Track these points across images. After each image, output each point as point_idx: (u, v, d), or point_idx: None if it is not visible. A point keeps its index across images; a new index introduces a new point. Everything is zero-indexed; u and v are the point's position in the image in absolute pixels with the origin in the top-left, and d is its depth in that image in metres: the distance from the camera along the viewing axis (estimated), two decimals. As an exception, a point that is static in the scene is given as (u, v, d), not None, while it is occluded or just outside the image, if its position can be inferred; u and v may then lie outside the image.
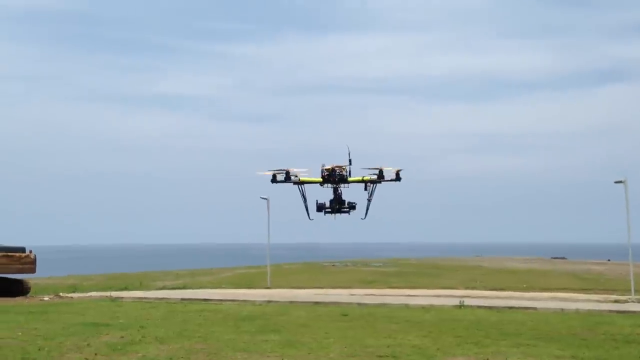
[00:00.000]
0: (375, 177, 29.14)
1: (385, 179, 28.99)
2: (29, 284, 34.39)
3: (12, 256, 33.09)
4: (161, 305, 26.49)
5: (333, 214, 28.95)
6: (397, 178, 28.79)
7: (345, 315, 22.72)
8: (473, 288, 36.19)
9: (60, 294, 33.07)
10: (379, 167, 28.80)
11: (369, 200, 29.24)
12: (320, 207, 29.22)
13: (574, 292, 33.08)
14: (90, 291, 34.94)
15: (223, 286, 39.65)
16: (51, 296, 31.96)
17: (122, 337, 17.44)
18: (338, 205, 29.06)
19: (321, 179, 29.06)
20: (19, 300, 30.57)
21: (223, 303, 27.73)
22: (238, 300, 28.60)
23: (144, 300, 29.23)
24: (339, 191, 29.32)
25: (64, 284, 40.92)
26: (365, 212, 29.47)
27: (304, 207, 29.24)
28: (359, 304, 26.60)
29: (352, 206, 29.45)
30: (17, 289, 33.51)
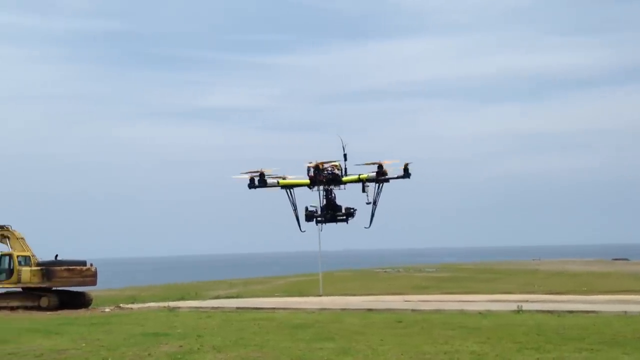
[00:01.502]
0: (374, 175, 22.83)
1: (390, 176, 22.69)
2: (90, 296, 35.63)
3: (74, 269, 34.36)
4: (217, 315, 26.91)
5: (324, 224, 22.56)
6: (406, 174, 22.59)
7: (400, 321, 22.51)
8: (531, 292, 35.29)
9: (121, 305, 34.05)
10: (377, 161, 21.83)
11: (374, 205, 22.64)
12: (309, 216, 22.64)
13: (637, 295, 31.78)
14: (149, 302, 35.85)
15: (276, 294, 40.00)
16: (112, 307, 32.93)
17: (181, 346, 17.81)
18: (331, 212, 22.50)
19: (308, 181, 22.72)
20: (81, 312, 31.65)
21: (277, 311, 27.93)
22: (291, 308, 28.76)
23: (200, 309, 29.77)
24: (332, 194, 22.76)
25: (123, 295, 42.19)
26: (370, 219, 22.85)
27: (293, 216, 22.74)
28: (414, 310, 26.31)
29: (349, 213, 22.84)
30: (79, 301, 34.77)
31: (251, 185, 22.75)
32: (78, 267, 34.66)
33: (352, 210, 23.06)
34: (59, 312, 31.44)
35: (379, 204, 22.78)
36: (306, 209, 22.97)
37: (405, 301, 31.13)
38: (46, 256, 35.29)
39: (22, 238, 35.10)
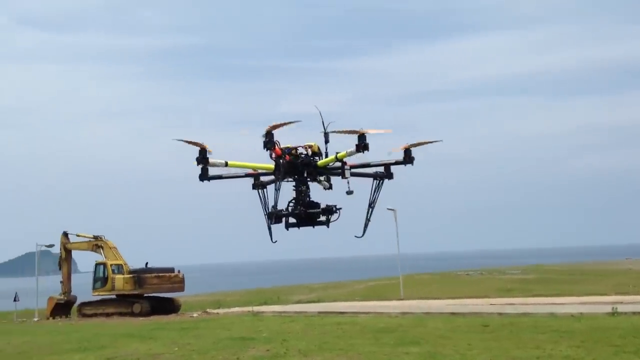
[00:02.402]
0: (353, 150, 13.95)
1: (387, 160, 14.60)
2: (179, 302, 37.09)
3: (163, 276, 35.90)
4: (300, 319, 27.25)
5: (298, 227, 14.92)
6: (407, 159, 14.53)
7: (486, 325, 21.91)
8: (626, 293, 33.42)
9: (207, 310, 35.17)
10: (358, 129, 13.69)
11: (371, 207, 14.74)
12: (276, 216, 14.70)
13: None
14: (233, 306, 36.84)
15: (356, 298, 40.02)
16: (199, 312, 34.08)
17: (268, 350, 18.17)
18: (305, 211, 14.74)
19: (272, 166, 14.75)
20: (171, 317, 32.94)
21: (358, 315, 27.93)
22: (373, 312, 28.68)
23: (283, 314, 30.25)
24: (305, 186, 14.86)
25: (209, 301, 43.57)
26: (363, 226, 14.79)
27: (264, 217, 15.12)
28: (500, 314, 25.54)
29: (330, 210, 14.70)
30: (169, 306, 36.25)
31: (203, 177, 14.81)
32: (167, 274, 36.17)
33: (333, 208, 14.68)
34: (151, 317, 32.86)
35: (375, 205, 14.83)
36: (272, 207, 14.62)
37: (491, 304, 30.29)
38: (136, 264, 37.10)
39: (114, 247, 37.04)
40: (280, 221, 14.81)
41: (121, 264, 36.34)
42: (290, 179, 14.64)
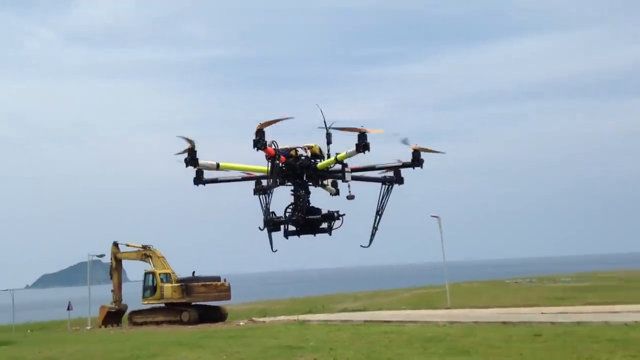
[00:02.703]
0: (353, 150, 12.43)
1: (394, 163, 13.24)
2: (226, 310, 37.46)
3: (210, 285, 36.35)
4: (346, 328, 27.12)
5: (298, 235, 13.44)
6: (416, 162, 13.03)
7: (539, 335, 21.31)
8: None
9: (253, 318, 35.41)
10: (359, 127, 12.22)
11: (378, 215, 13.39)
12: (273, 223, 13.40)
13: None
14: (279, 315, 36.97)
15: (402, 307, 39.58)
16: (245, 321, 34.32)
17: (315, 359, 18.14)
18: (303, 218, 13.26)
19: (266, 168, 13.13)
20: (218, 325, 33.29)
21: (405, 324, 27.61)
22: (420, 321, 28.30)
23: (329, 322, 30.18)
24: (304, 191, 13.39)
25: (255, 309, 43.87)
26: (370, 236, 13.39)
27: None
28: (553, 323, 24.82)
29: (331, 216, 13.21)
30: (216, 315, 36.66)
31: (198, 180, 13.66)
32: (214, 283, 36.61)
33: (336, 214, 13.11)
34: (199, 325, 33.30)
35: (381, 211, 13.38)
36: (271, 213, 13.29)
37: (542, 313, 29.48)
38: (183, 273, 37.69)
39: (162, 256, 37.74)
40: (278, 229, 13.38)
41: (169, 273, 36.98)
42: (289, 183, 13.23)
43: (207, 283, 36.35)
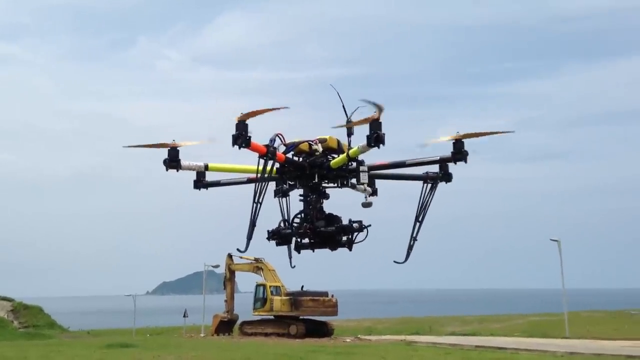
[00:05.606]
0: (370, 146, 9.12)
1: (429, 157, 10.14)
2: (332, 326, 37.61)
3: (318, 300, 36.67)
4: (455, 352, 26.27)
5: (312, 249, 10.65)
6: (459, 155, 9.73)
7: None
8: None
9: (359, 336, 35.28)
10: (370, 116, 8.96)
11: (419, 221, 10.46)
12: (282, 236, 10.59)
13: None
14: (385, 334, 36.60)
15: (516, 334, 37.73)
16: (352, 338, 34.28)
17: (424, 382, 17.71)
18: (312, 229, 10.48)
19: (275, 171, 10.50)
20: (324, 341, 33.46)
21: (519, 352, 26.24)
22: (536, 350, 26.77)
23: (437, 345, 29.40)
24: (316, 195, 10.68)
25: (361, 327, 43.77)
26: (407, 249, 10.41)
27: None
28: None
29: (350, 228, 10.35)
30: (322, 330, 36.89)
31: (198, 184, 11.27)
32: (321, 298, 36.86)
33: (358, 225, 10.37)
34: (305, 340, 33.65)
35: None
36: (280, 224, 10.64)
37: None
38: (292, 287, 38.33)
39: (273, 270, 38.67)
40: (288, 242, 10.60)
41: (279, 286, 37.76)
42: (300, 186, 10.51)
43: (315, 298, 36.67)
